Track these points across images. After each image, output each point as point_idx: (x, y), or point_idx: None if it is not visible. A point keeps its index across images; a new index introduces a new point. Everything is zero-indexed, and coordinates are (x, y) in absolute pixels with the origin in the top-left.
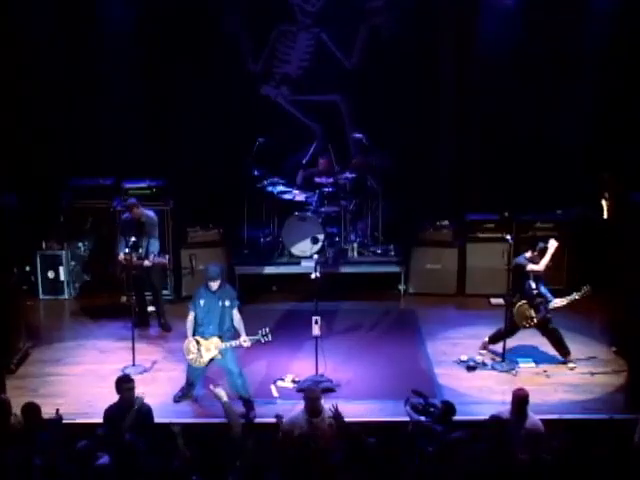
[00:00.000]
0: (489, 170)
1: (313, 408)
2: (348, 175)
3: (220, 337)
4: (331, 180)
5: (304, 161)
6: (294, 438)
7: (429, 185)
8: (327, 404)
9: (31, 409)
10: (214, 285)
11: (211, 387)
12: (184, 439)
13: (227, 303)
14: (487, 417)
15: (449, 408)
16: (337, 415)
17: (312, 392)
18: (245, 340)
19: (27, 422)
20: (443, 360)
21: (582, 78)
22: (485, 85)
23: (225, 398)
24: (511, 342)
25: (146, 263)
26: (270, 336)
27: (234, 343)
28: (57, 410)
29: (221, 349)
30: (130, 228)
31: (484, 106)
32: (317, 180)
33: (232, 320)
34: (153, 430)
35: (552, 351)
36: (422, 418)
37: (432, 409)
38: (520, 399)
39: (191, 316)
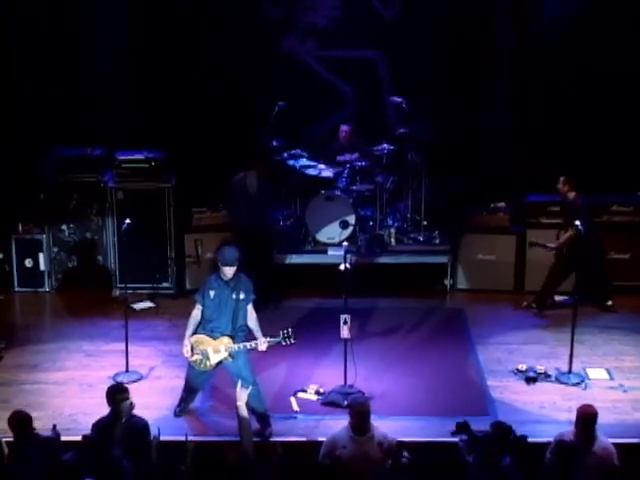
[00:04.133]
0: (554, 143)
1: (360, 425)
2: (385, 146)
3: (231, 337)
4: (355, 157)
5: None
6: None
7: (482, 159)
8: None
9: (21, 420)
10: (229, 272)
11: (239, 385)
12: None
13: (242, 296)
14: (550, 440)
15: (502, 431)
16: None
17: (361, 406)
18: (263, 342)
19: (17, 437)
20: (497, 370)
21: None
22: (552, 44)
23: (244, 406)
24: (581, 349)
25: None
26: (293, 338)
27: (249, 345)
28: (54, 426)
29: (232, 351)
30: None
31: (549, 68)
32: (340, 159)
33: (246, 317)
34: (149, 451)
35: (630, 362)
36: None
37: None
38: (586, 418)
39: (197, 309)
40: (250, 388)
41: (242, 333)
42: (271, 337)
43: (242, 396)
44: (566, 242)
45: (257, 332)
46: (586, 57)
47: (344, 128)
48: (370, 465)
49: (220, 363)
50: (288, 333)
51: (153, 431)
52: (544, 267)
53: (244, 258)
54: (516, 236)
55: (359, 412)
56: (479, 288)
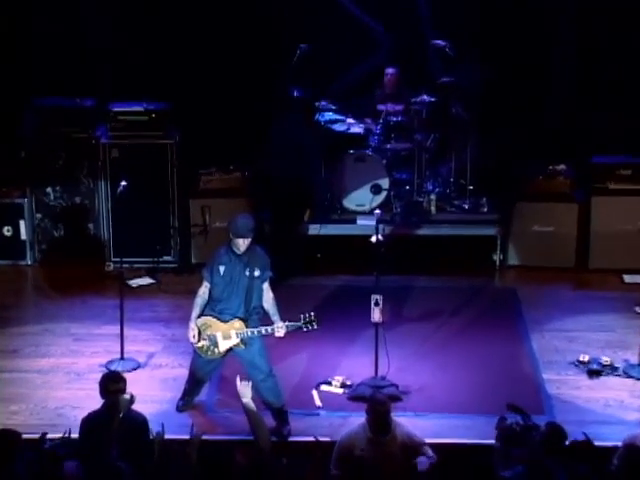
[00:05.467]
0: (624, 94)
1: (380, 424)
2: (425, 98)
3: (244, 320)
4: (400, 107)
5: None
6: (352, 460)
7: (539, 114)
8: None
9: (7, 437)
10: (242, 245)
11: (239, 381)
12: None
13: (257, 273)
14: (617, 444)
15: (556, 432)
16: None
17: (380, 404)
18: (281, 327)
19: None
20: (554, 361)
21: None
22: None
23: (251, 403)
24: None
25: None
26: (316, 323)
27: (264, 330)
28: (43, 435)
29: (245, 337)
30: None
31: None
32: (380, 108)
33: (261, 297)
34: (149, 450)
35: None
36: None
37: (533, 432)
38: None
39: (205, 287)
40: (251, 383)
41: (256, 316)
42: (290, 322)
43: (245, 392)
44: None
45: (274, 315)
46: None
47: (389, 71)
48: (393, 470)
49: (230, 350)
50: (310, 317)
51: (156, 427)
52: (611, 240)
53: (275, 220)
54: (579, 204)
55: (377, 411)
56: (534, 265)
